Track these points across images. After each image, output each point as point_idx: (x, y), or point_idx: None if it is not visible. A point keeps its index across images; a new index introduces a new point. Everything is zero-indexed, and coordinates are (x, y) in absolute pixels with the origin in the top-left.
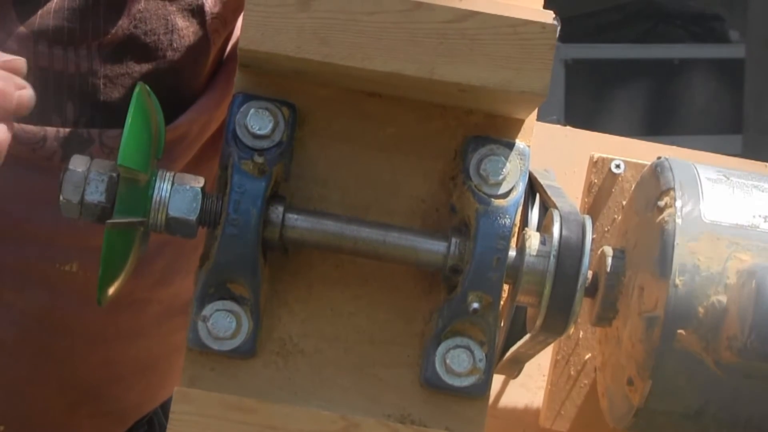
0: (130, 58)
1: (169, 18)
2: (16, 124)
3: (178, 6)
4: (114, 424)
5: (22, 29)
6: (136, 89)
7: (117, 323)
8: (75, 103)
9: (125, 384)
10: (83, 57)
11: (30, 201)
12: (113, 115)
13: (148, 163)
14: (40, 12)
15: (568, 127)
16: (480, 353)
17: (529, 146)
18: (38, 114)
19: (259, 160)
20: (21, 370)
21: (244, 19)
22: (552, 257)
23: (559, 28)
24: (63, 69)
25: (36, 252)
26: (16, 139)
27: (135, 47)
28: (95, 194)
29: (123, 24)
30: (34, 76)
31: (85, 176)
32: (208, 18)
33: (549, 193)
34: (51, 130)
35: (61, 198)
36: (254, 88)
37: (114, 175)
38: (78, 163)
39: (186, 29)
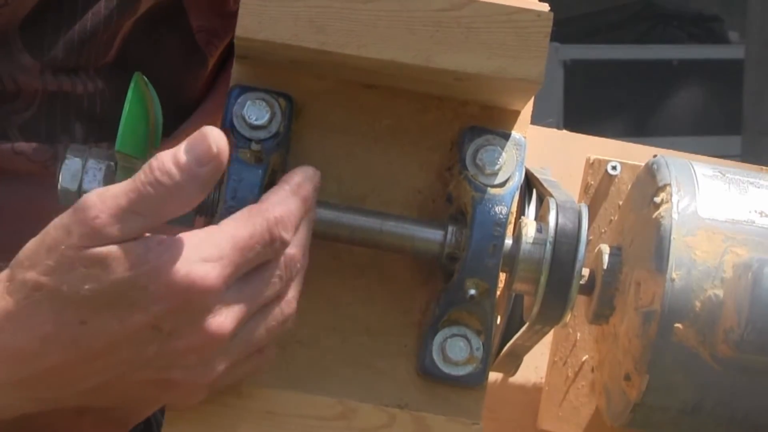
0: (129, 77)
1: (154, 38)
2: (24, 144)
3: (162, 25)
4: (117, 428)
5: (29, 60)
6: (134, 78)
7: None
8: (83, 122)
9: None
10: (86, 79)
11: (41, 218)
12: None
13: (146, 151)
14: (47, 43)
15: (564, 131)
16: (477, 342)
17: (525, 137)
18: (46, 135)
19: (256, 147)
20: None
21: (240, 9)
22: (548, 244)
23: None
24: (70, 91)
25: None
26: (26, 157)
27: (131, 68)
28: (93, 182)
29: (115, 48)
30: (41, 100)
31: (83, 165)
32: (195, 32)
33: (545, 185)
34: (61, 148)
35: (59, 187)
36: (251, 80)
37: (112, 163)
38: (76, 152)
39: (175, 47)
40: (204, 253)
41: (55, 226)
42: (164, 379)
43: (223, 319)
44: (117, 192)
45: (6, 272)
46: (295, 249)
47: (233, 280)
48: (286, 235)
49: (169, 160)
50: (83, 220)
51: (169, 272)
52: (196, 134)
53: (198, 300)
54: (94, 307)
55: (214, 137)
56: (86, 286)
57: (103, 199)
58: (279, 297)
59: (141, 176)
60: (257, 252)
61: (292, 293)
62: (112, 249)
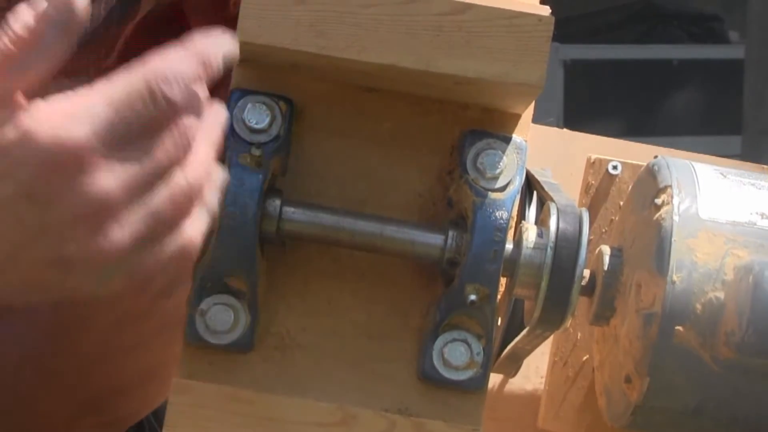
0: None
1: (155, 43)
2: None
3: (162, 29)
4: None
5: None
6: None
7: (120, 338)
8: None
9: (125, 394)
10: (86, 82)
11: None
12: None
13: None
14: None
15: (564, 130)
16: (478, 346)
17: (526, 141)
18: None
19: (257, 152)
20: (23, 389)
21: (240, 12)
22: (549, 249)
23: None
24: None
25: None
26: None
27: None
28: None
29: (117, 51)
30: None
31: None
32: None
33: (546, 188)
34: None
35: None
36: (251, 83)
37: None
38: None
39: None
40: (74, 112)
41: None
42: (59, 257)
43: (103, 179)
44: None
45: None
46: (191, 120)
47: (111, 139)
48: (171, 92)
49: (25, 9)
50: None
51: (34, 134)
52: None
53: (69, 161)
54: None
55: None
56: None
57: None
58: (178, 162)
59: None
60: (137, 111)
61: (197, 156)
62: None
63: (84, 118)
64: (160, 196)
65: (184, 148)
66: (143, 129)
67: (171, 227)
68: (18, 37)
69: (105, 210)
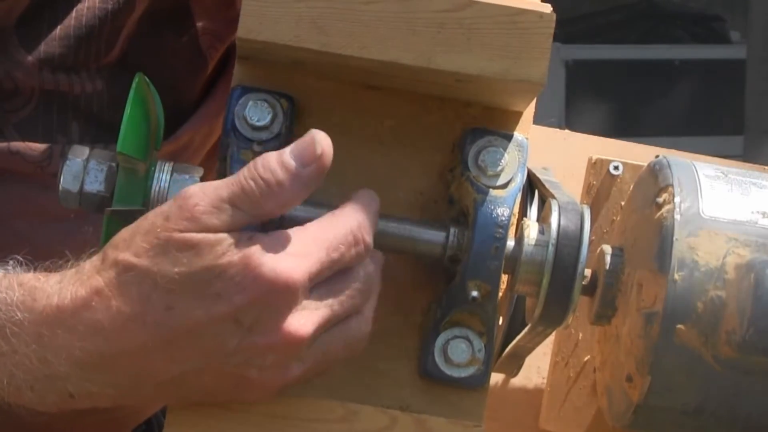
0: (129, 79)
1: (157, 40)
2: (21, 143)
3: (168, 27)
4: (117, 429)
5: (26, 57)
6: (135, 79)
7: None
8: (80, 122)
9: None
10: (86, 78)
11: (37, 218)
12: (118, 132)
13: (147, 152)
14: (44, 39)
15: (566, 131)
16: (479, 343)
17: (527, 138)
18: (43, 134)
19: (258, 149)
20: None
21: (242, 10)
22: (550, 246)
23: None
24: (68, 90)
25: (43, 269)
26: (22, 156)
27: (132, 69)
28: (95, 184)
29: (119, 47)
30: (38, 98)
31: (85, 166)
32: (199, 34)
33: (547, 186)
34: (57, 148)
35: (60, 188)
36: (253, 80)
37: (113, 164)
38: (77, 153)
39: (178, 50)
40: (291, 248)
41: (155, 212)
42: (240, 376)
43: (304, 321)
44: (219, 184)
45: (98, 255)
46: (373, 266)
47: (318, 279)
48: (369, 239)
49: (274, 158)
50: (183, 207)
51: (256, 264)
52: (304, 136)
53: (282, 294)
54: (180, 294)
55: (320, 139)
56: (176, 269)
57: (205, 189)
58: (358, 312)
59: (244, 171)
60: (341, 253)
61: (369, 312)
62: (206, 236)
63: (303, 258)
64: (338, 342)
65: (366, 297)
66: (340, 272)
67: (334, 365)
68: (260, 177)
69: (294, 346)
